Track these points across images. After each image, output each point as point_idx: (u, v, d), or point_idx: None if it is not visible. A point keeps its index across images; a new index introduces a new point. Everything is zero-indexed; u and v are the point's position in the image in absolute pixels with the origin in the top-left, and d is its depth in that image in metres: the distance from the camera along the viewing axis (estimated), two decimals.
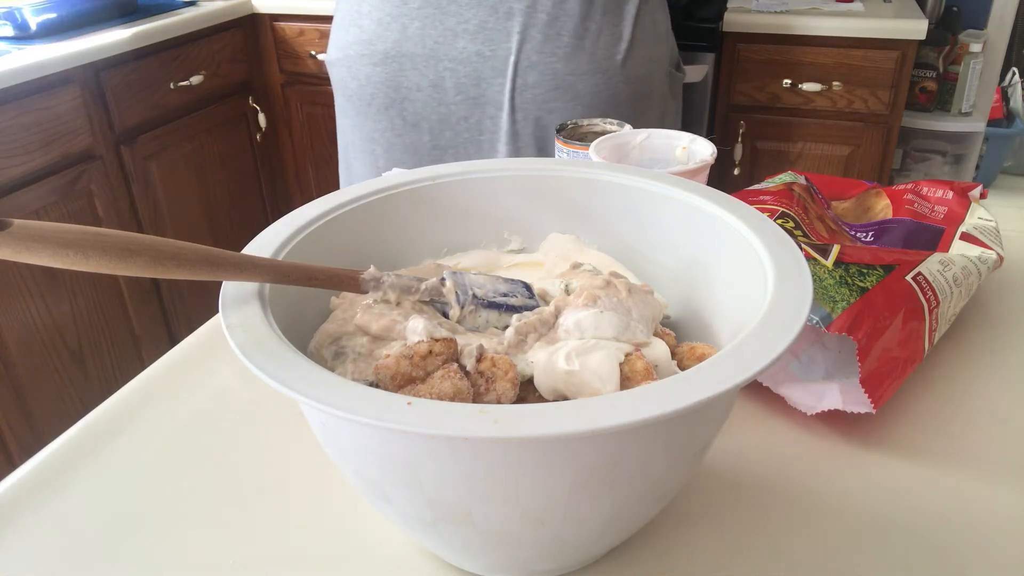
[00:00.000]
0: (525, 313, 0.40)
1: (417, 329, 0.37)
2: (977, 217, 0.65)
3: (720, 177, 1.83)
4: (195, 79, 1.78)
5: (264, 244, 0.40)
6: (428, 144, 0.97)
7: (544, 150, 0.94)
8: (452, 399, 0.34)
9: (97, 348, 1.60)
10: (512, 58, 0.89)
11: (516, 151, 0.94)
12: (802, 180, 0.67)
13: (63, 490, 0.47)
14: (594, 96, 0.91)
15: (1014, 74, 2.02)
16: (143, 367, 0.57)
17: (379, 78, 0.94)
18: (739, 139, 1.80)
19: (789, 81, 1.72)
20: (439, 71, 0.92)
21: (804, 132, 1.77)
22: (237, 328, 0.33)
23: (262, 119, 2.02)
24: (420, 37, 0.91)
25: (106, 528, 0.44)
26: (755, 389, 0.52)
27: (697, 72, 1.66)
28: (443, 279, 0.42)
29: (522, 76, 0.89)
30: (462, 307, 0.41)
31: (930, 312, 0.51)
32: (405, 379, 0.35)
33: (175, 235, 1.78)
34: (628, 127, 0.69)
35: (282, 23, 1.96)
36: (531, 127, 0.92)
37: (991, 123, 1.95)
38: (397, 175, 0.49)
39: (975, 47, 1.84)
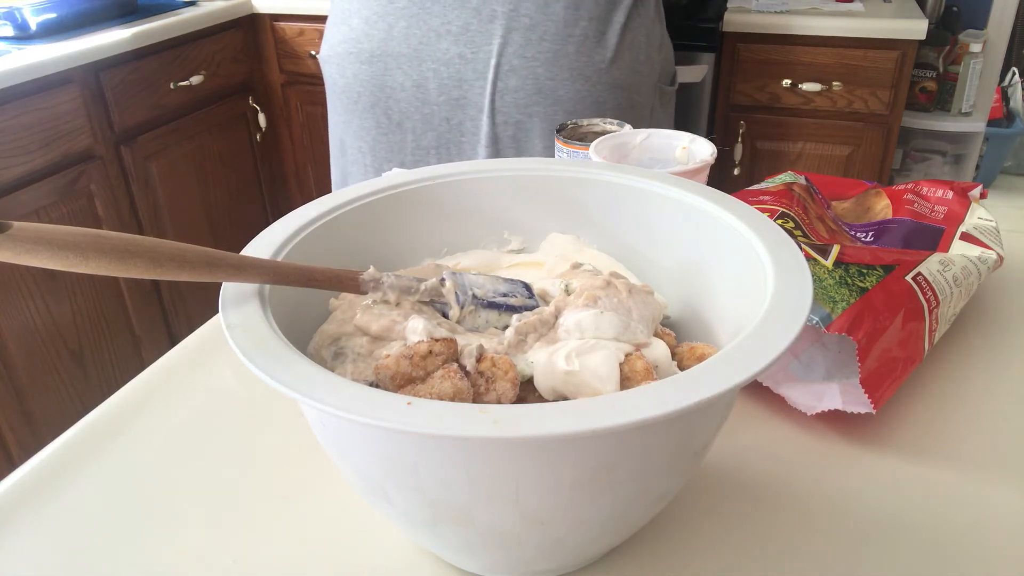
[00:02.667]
0: (525, 313, 0.40)
1: (417, 329, 0.37)
2: (977, 217, 0.65)
3: (720, 177, 1.83)
4: (195, 79, 1.78)
5: (264, 244, 0.40)
6: (411, 144, 0.97)
7: (524, 154, 0.93)
8: (452, 399, 0.34)
9: (97, 348, 1.60)
10: (493, 61, 0.89)
11: (496, 154, 0.94)
12: (802, 180, 0.67)
13: (63, 490, 0.47)
14: (576, 102, 0.91)
15: (1014, 74, 2.02)
16: (143, 367, 0.57)
17: (365, 76, 0.94)
18: (739, 139, 1.80)
19: (789, 81, 1.72)
20: (423, 72, 0.92)
21: (804, 132, 1.77)
22: (237, 328, 0.33)
23: (262, 119, 2.02)
24: (405, 37, 0.91)
25: (106, 528, 0.44)
26: (755, 389, 0.52)
27: (697, 72, 1.66)
28: (443, 279, 0.42)
29: (503, 80, 0.89)
30: (462, 307, 0.41)
31: (930, 312, 0.51)
32: (405, 379, 0.35)
33: (175, 235, 1.78)
34: (628, 127, 0.69)
35: (282, 23, 1.96)
36: (511, 130, 0.92)
37: (991, 123, 1.95)
38: (397, 175, 0.49)
39: (975, 47, 1.84)
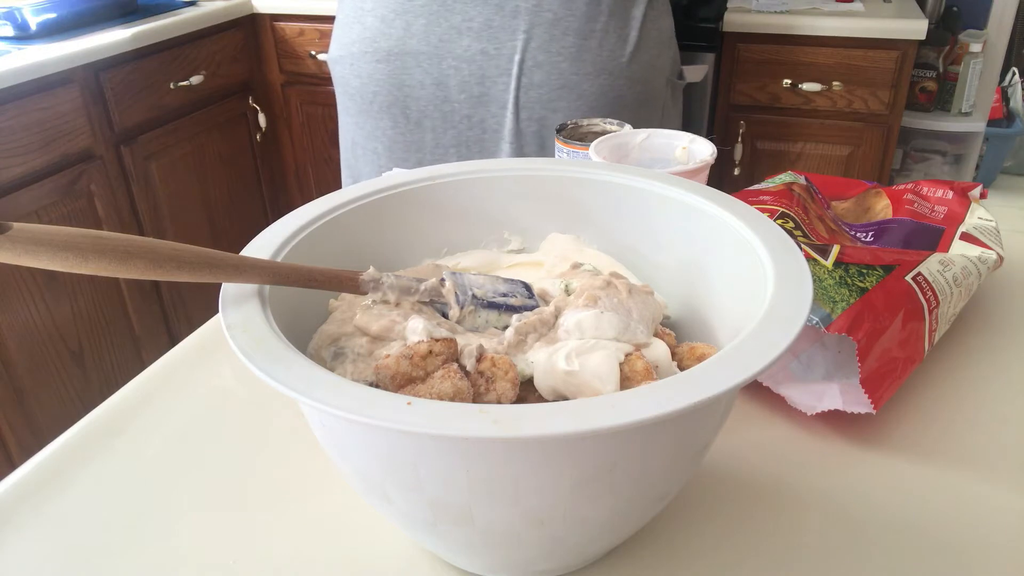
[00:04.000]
0: (525, 313, 0.40)
1: (417, 329, 0.37)
2: (977, 217, 0.65)
3: (720, 177, 1.83)
4: (195, 79, 1.78)
5: (264, 244, 0.40)
6: (431, 143, 0.97)
7: (547, 149, 0.94)
8: (452, 399, 0.34)
9: (97, 348, 1.60)
10: (517, 57, 0.89)
11: (519, 150, 0.94)
12: (802, 180, 0.67)
13: (63, 490, 0.47)
14: (599, 97, 0.91)
15: (1014, 74, 2.02)
16: (143, 367, 0.57)
17: (382, 76, 0.94)
18: (739, 139, 1.80)
19: (789, 81, 1.72)
20: (443, 69, 0.92)
21: (804, 132, 1.77)
22: (237, 328, 0.33)
23: (262, 119, 2.02)
24: (424, 35, 0.91)
25: (106, 528, 0.44)
26: (755, 389, 0.52)
27: (697, 72, 1.66)
28: (442, 280, 0.42)
29: (527, 75, 0.89)
30: (461, 307, 0.41)
31: (930, 312, 0.51)
32: (405, 379, 0.35)
33: (175, 235, 1.78)
34: (628, 127, 0.69)
35: (282, 23, 1.96)
36: (535, 126, 0.92)
37: (991, 123, 1.95)
38: (397, 175, 0.49)
39: (975, 47, 1.84)
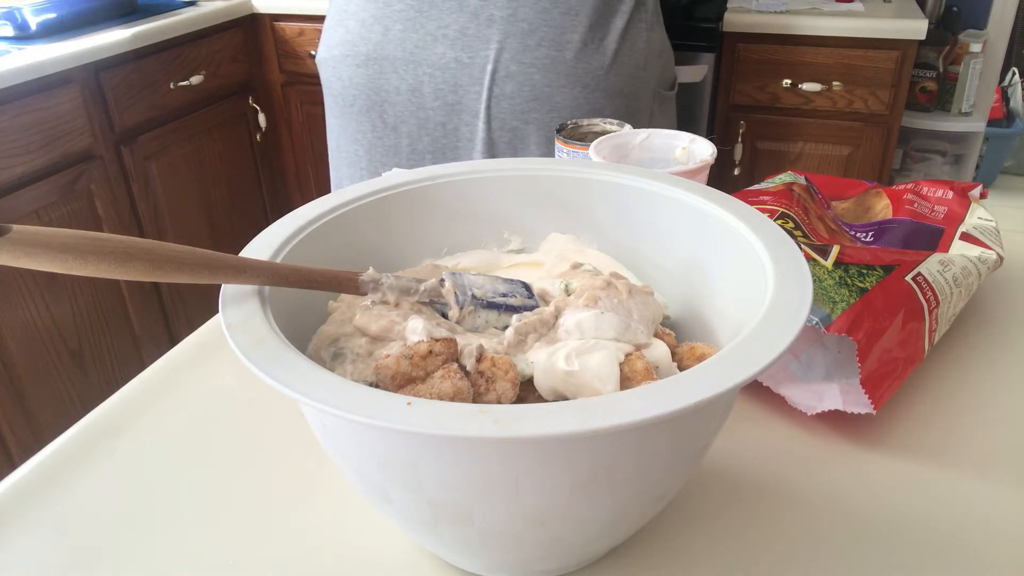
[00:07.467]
0: (525, 313, 0.40)
1: (417, 329, 0.37)
2: (977, 217, 0.65)
3: (720, 177, 1.83)
4: (195, 79, 1.78)
5: (263, 245, 0.40)
6: (407, 148, 0.97)
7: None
8: (452, 399, 0.34)
9: (97, 348, 1.60)
10: (490, 67, 0.88)
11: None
12: (802, 180, 0.67)
13: (63, 490, 0.47)
14: (573, 109, 0.90)
15: (1014, 74, 2.02)
16: (143, 367, 0.57)
17: (361, 80, 0.94)
18: (739, 139, 1.80)
19: (789, 81, 1.72)
20: (418, 76, 0.91)
21: (804, 132, 1.77)
22: (237, 328, 0.33)
23: (262, 119, 2.02)
24: (401, 40, 0.91)
25: (106, 528, 0.44)
26: (755, 389, 0.52)
27: (697, 72, 1.66)
28: (442, 280, 0.42)
29: (499, 85, 0.89)
30: (461, 308, 0.41)
31: (930, 312, 0.51)
32: (405, 379, 0.35)
33: (175, 235, 1.78)
34: (628, 127, 0.69)
35: (282, 23, 1.96)
36: (507, 136, 0.91)
37: (991, 123, 1.95)
38: (397, 175, 0.49)
39: (975, 47, 1.84)
